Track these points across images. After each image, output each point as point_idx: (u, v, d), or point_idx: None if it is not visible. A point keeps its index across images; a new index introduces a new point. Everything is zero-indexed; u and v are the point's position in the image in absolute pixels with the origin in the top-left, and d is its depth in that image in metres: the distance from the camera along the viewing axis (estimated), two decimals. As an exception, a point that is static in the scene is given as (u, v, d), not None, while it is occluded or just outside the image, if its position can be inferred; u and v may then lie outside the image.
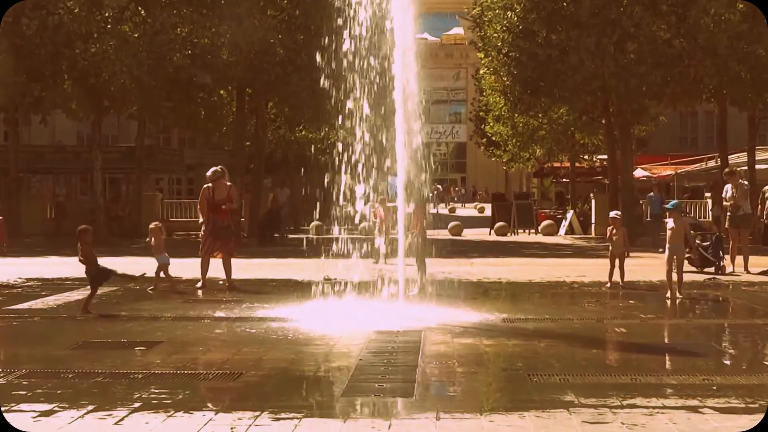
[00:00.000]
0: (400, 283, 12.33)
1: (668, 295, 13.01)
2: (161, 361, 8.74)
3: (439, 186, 62.96)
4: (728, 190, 18.35)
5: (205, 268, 15.20)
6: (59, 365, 8.49)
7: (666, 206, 13.92)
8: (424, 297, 12.87)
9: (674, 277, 13.14)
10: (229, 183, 15.48)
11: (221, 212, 15.05)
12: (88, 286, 14.75)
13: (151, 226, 15.26)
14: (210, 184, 15.07)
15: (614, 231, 14.59)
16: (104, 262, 15.76)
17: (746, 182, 19.41)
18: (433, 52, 76.79)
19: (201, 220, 15.39)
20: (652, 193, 24.63)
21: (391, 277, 13.03)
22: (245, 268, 18.53)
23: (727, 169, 20.72)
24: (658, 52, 25.13)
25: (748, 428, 6.13)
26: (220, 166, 15.42)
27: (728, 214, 18.44)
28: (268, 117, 35.00)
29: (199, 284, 15.07)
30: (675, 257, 13.11)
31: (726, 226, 18.51)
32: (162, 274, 14.67)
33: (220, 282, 15.55)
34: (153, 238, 14.80)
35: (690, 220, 18.75)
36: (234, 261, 19.73)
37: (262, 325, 10.94)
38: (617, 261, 14.59)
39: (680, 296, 13.02)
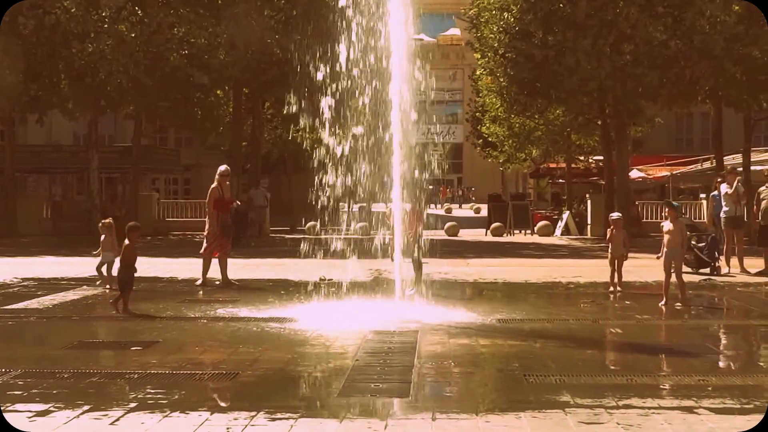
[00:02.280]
0: (396, 283, 12.33)
1: (663, 302, 12.71)
2: (157, 361, 8.73)
3: (431, 186, 62.88)
4: (725, 189, 18.33)
5: (207, 266, 15.25)
6: (55, 365, 8.49)
7: (673, 203, 13.51)
8: (421, 297, 12.87)
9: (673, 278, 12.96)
10: (228, 183, 15.53)
11: (228, 210, 15.08)
12: (84, 286, 14.81)
13: (103, 222, 15.18)
14: (217, 184, 15.11)
15: (614, 233, 14.29)
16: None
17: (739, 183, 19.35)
18: (430, 53, 76.74)
19: (209, 219, 15.31)
20: (716, 192, 19.89)
21: (388, 277, 13.06)
22: (243, 268, 18.54)
23: (729, 166, 20.52)
24: (654, 53, 25.17)
25: (746, 429, 6.15)
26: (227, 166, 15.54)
27: (723, 215, 18.41)
28: (265, 117, 34.99)
29: (199, 282, 15.16)
30: (673, 262, 12.81)
31: (722, 227, 18.44)
32: (104, 272, 14.62)
33: (216, 282, 15.55)
34: (104, 236, 14.75)
35: (686, 221, 18.67)
36: (230, 260, 19.75)
37: (259, 325, 10.94)
38: (616, 263, 14.27)
39: (679, 305, 12.67)
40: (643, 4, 25.11)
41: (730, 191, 18.12)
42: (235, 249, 24.50)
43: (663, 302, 12.74)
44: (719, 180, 20.31)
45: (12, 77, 26.58)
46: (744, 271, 17.41)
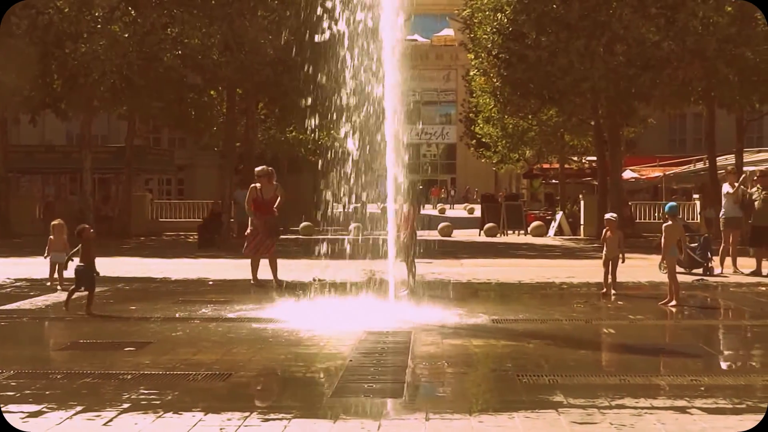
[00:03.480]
0: (390, 284, 12.34)
1: (669, 300, 12.82)
2: (150, 361, 8.72)
3: (421, 186, 62.90)
4: (726, 189, 18.11)
5: (255, 266, 15.25)
6: (48, 366, 8.48)
7: (667, 207, 13.60)
8: (414, 298, 12.89)
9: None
10: (275, 182, 15.50)
11: (269, 211, 15.07)
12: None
13: (54, 223, 15.11)
14: (258, 184, 15.16)
15: (609, 234, 13.95)
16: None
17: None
18: (423, 54, 76.87)
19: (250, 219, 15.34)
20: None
21: (382, 277, 13.06)
22: (236, 268, 18.52)
23: (730, 167, 20.39)
24: (647, 54, 25.22)
25: (740, 429, 6.18)
26: (267, 167, 15.53)
27: (722, 216, 18.32)
28: (259, 117, 34.97)
29: (253, 282, 15.17)
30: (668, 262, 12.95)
31: (722, 228, 18.25)
32: (56, 274, 14.59)
33: (210, 283, 15.53)
34: (54, 236, 14.66)
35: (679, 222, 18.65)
36: (223, 261, 19.80)
37: (252, 326, 10.94)
38: (610, 265, 13.90)
39: (674, 304, 12.74)
40: (635, 5, 25.17)
41: (731, 191, 18.05)
42: (207, 250, 24.39)
43: (669, 300, 12.84)
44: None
45: (4, 77, 26.49)
46: (737, 271, 17.45)
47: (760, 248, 17.47)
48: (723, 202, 18.33)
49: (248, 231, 15.24)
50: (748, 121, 31.37)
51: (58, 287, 14.29)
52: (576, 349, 9.63)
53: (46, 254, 14.73)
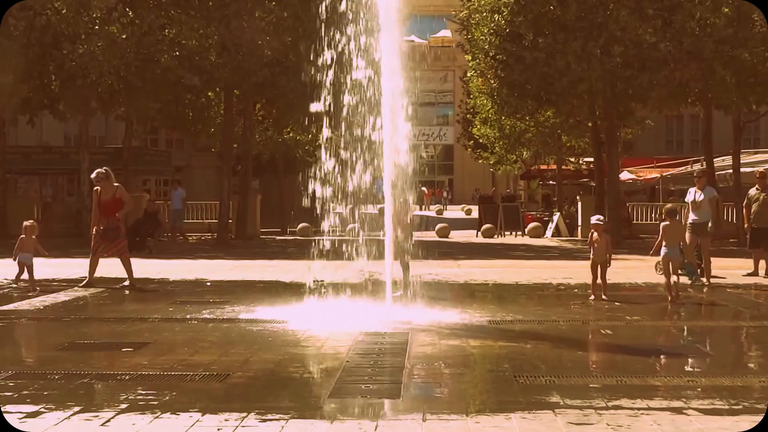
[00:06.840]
0: (387, 285, 12.34)
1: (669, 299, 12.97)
2: (148, 362, 8.73)
3: (422, 188, 62.75)
4: (692, 192, 16.86)
5: (92, 267, 15.24)
6: (46, 366, 8.49)
7: (667, 209, 13.75)
8: (411, 298, 12.89)
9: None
10: (116, 184, 15.51)
11: (108, 213, 15.09)
12: (76, 288, 14.81)
13: (26, 223, 15.11)
14: (97, 187, 15.19)
15: (596, 237, 13.55)
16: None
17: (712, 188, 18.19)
18: (421, 55, 76.86)
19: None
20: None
21: (378, 278, 13.07)
22: (233, 270, 18.57)
23: (698, 171, 19.39)
24: (644, 55, 25.26)
25: (737, 430, 6.20)
26: (103, 168, 15.53)
27: (690, 221, 16.52)
28: (256, 119, 34.98)
29: (83, 283, 15.12)
30: (671, 262, 13.11)
31: (689, 233, 16.31)
32: (26, 275, 14.62)
33: (208, 284, 15.53)
34: (25, 236, 14.65)
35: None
36: (221, 262, 19.80)
37: (249, 327, 10.95)
38: (599, 270, 13.56)
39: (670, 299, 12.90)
40: (632, 7, 25.21)
41: (700, 195, 16.62)
42: (138, 252, 23.91)
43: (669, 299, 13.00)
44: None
45: (2, 78, 26.47)
46: (708, 282, 16.04)
47: (758, 249, 17.46)
48: (690, 207, 16.87)
49: (93, 232, 15.28)
50: (745, 123, 31.38)
51: (16, 285, 14.34)
52: (573, 349, 9.65)
53: (21, 251, 14.69)
